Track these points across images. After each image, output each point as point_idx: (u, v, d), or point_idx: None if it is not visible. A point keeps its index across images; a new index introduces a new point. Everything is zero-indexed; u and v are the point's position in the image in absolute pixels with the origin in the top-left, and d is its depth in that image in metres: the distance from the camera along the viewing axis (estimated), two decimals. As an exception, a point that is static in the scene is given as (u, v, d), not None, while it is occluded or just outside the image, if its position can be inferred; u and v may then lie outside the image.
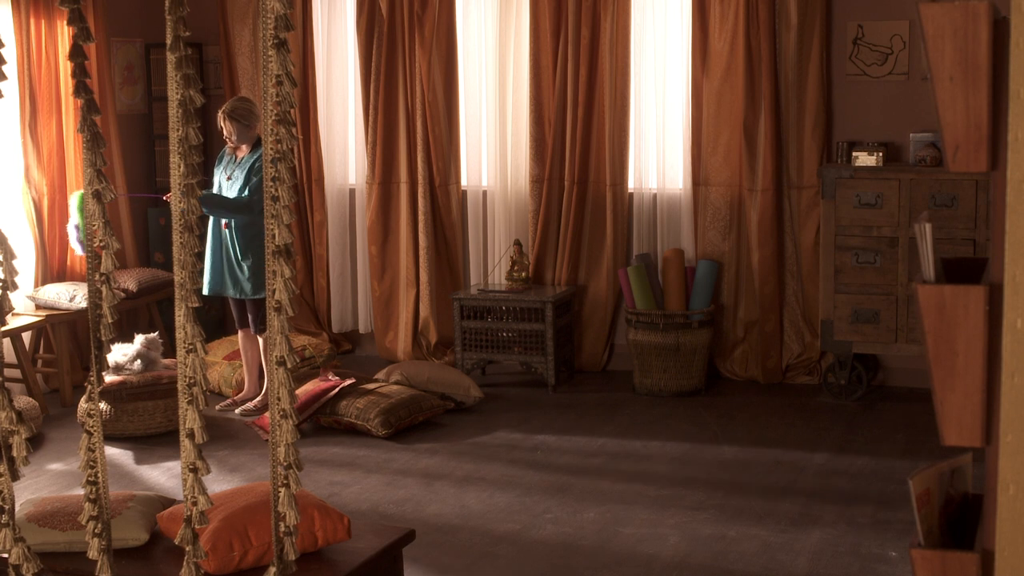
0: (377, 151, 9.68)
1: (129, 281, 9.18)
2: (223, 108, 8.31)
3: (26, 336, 8.84)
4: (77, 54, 3.49)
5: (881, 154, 8.31)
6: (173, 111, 3.39)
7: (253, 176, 8.17)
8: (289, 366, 3.42)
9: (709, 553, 5.95)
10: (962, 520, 2.99)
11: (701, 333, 8.72)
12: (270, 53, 3.31)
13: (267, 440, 6.99)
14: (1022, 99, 2.43)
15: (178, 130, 3.37)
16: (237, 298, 8.41)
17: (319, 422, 7.99)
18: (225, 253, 8.29)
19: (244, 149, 8.28)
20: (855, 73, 8.73)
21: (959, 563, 2.67)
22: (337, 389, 7.96)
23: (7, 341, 8.38)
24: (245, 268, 8.23)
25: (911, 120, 8.51)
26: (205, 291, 8.31)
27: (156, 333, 8.41)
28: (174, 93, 3.38)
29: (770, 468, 7.19)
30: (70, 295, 8.74)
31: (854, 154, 8.37)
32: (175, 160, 3.39)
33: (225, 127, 8.24)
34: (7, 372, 8.49)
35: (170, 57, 3.37)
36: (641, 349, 8.74)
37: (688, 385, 8.72)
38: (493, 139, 9.55)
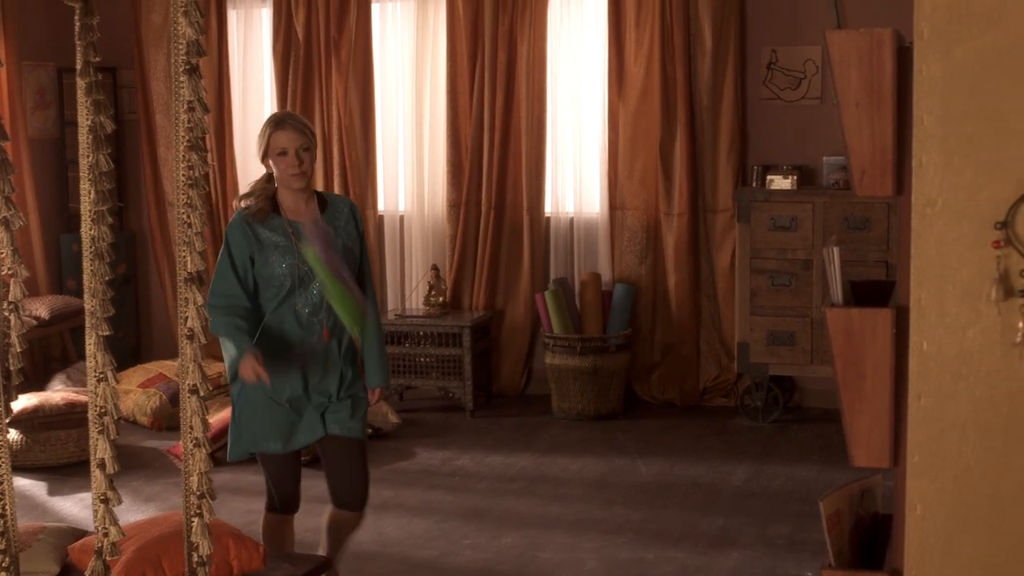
0: (294, 176, 9.62)
1: (41, 308, 9.06)
2: (277, 117, 5.12)
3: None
4: (-16, 80, 3.45)
5: (795, 177, 8.41)
6: (83, 137, 3.36)
7: (367, 256, 5.32)
8: (202, 394, 3.39)
9: (627, 576, 5.97)
10: (874, 540, 3.02)
11: (618, 357, 8.75)
12: (181, 79, 3.29)
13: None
14: (926, 125, 2.47)
15: (88, 156, 3.34)
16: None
17: (236, 449, 7.91)
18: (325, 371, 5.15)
19: (311, 209, 5.11)
20: (769, 97, 8.82)
21: (870, 583, 2.70)
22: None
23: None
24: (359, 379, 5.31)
25: (824, 143, 8.61)
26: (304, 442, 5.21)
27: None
28: (84, 119, 3.35)
29: (687, 491, 7.22)
30: (-19, 323, 8.60)
31: (768, 177, 8.46)
32: (85, 187, 3.36)
33: (290, 148, 5.00)
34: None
35: (80, 83, 3.34)
36: (559, 373, 8.75)
37: (606, 408, 8.74)
38: (410, 164, 9.54)
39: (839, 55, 2.58)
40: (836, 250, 2.73)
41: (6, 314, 3.53)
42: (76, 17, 3.33)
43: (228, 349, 4.95)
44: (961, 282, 2.50)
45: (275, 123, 5.06)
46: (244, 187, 9.85)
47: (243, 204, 5.10)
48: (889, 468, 2.72)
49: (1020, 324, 2.46)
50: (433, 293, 9.13)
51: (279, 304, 5.02)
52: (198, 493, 3.43)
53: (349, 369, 5.15)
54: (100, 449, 3.35)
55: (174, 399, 8.61)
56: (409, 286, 9.62)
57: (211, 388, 3.49)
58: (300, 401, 5.07)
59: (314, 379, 5.08)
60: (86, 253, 3.36)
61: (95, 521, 3.39)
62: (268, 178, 5.12)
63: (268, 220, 5.03)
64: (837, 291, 2.73)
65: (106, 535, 3.38)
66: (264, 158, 5.09)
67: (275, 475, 5.24)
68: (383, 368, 5.29)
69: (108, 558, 3.42)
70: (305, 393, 5.07)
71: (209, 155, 9.26)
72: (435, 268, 9.17)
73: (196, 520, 3.44)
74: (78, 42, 3.32)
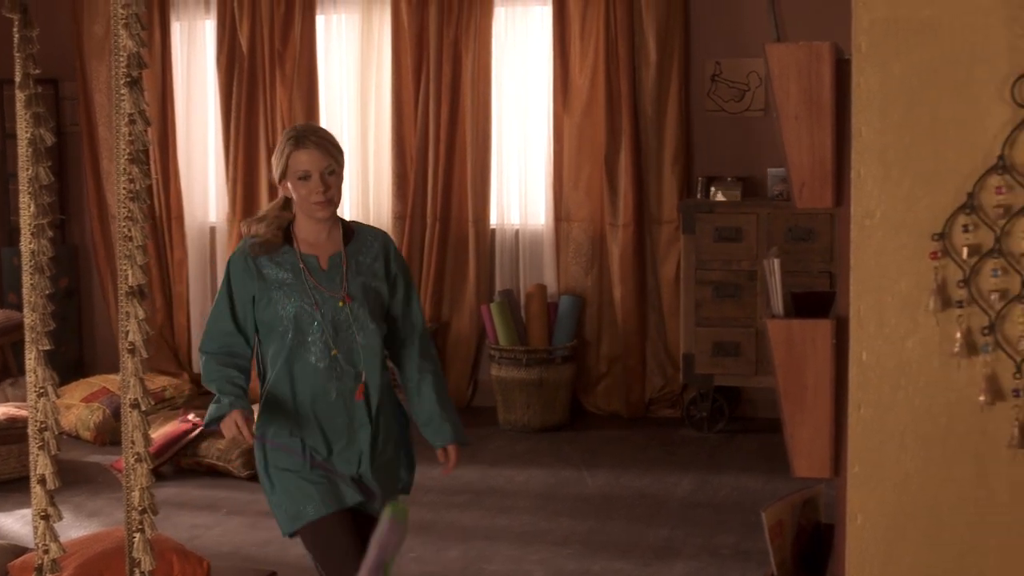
0: (238, 188, 9.58)
1: (-18, 322, 8.97)
2: (297, 132, 4.42)
3: None
4: (-79, 92, 3.42)
5: (739, 188, 8.45)
6: (23, 150, 3.33)
7: (413, 298, 4.64)
8: (143, 409, 3.36)
9: (574, 588, 5.97)
10: (816, 549, 3.04)
11: (564, 368, 8.76)
12: (123, 92, 3.26)
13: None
14: (864, 137, 2.49)
15: (28, 169, 3.32)
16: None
17: (179, 464, 7.86)
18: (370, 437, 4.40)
19: (334, 240, 4.53)
20: (713, 109, 8.87)
21: (811, 593, 2.71)
22: (197, 430, 7.84)
23: None
24: (401, 455, 4.69)
25: (768, 155, 8.65)
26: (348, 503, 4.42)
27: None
28: (23, 132, 3.33)
29: (634, 501, 7.24)
30: (-80, 337, 8.52)
31: (713, 189, 8.50)
32: (25, 200, 3.33)
33: (313, 171, 4.35)
34: None
35: (19, 95, 3.31)
36: (504, 385, 8.74)
37: (552, 420, 8.75)
38: (355, 176, 9.51)
39: (778, 68, 2.60)
40: (776, 262, 2.75)
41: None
42: (15, 29, 3.30)
43: (219, 400, 4.22)
44: (900, 293, 2.52)
45: (295, 140, 4.29)
46: (187, 197, 9.80)
47: (251, 231, 4.40)
48: (831, 478, 2.74)
49: (957, 334, 2.48)
50: (379, 305, 9.09)
51: (286, 355, 4.25)
52: (140, 508, 3.40)
53: (380, 429, 4.38)
54: (40, 465, 3.32)
55: (117, 413, 8.50)
56: (355, 298, 9.57)
57: (152, 403, 3.46)
58: (326, 460, 4.30)
59: (338, 445, 4.31)
60: (26, 267, 3.33)
61: (35, 538, 3.36)
62: (284, 203, 4.42)
63: (277, 253, 4.33)
64: (778, 302, 2.75)
65: (46, 552, 3.35)
66: (281, 180, 4.36)
67: (317, 550, 4.34)
68: (450, 422, 4.53)
69: (49, 575, 3.39)
70: (329, 458, 4.29)
71: (152, 168, 9.22)
72: (381, 280, 9.14)
73: (138, 535, 3.41)
74: (17, 54, 3.30)
